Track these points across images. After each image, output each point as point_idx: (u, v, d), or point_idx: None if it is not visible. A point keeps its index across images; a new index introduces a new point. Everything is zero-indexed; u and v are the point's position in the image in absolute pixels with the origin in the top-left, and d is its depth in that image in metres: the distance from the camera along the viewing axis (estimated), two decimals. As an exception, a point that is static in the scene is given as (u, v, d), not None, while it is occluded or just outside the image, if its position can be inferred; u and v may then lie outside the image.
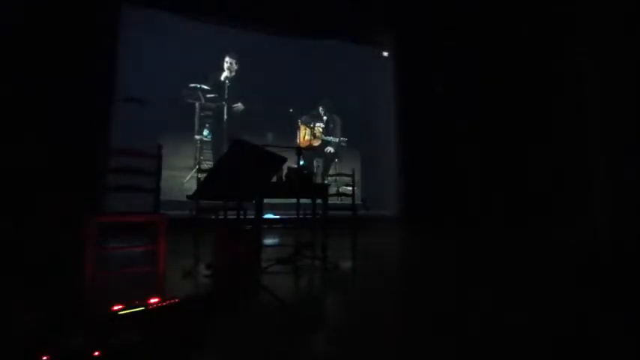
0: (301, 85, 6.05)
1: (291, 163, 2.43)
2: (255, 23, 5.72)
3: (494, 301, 1.82)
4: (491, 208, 5.67)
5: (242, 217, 2.77)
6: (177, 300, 1.29)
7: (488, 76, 6.13)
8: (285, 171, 2.55)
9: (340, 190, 3.48)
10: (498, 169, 5.93)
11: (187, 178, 5.21)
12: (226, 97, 5.69)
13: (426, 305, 1.76)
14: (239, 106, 5.72)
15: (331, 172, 6.17)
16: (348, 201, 3.41)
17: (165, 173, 2.24)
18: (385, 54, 6.72)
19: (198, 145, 5.43)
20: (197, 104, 5.47)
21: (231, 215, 2.82)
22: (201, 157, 5.37)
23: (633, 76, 4.39)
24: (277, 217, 5.23)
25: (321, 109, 6.35)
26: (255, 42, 5.81)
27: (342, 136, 6.49)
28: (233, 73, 5.75)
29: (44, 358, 0.95)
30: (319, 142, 6.32)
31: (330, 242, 2.75)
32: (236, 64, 5.75)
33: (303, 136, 6.20)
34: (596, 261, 3.00)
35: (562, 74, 5.46)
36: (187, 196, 1.98)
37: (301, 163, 2.63)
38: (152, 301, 1.23)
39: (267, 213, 5.00)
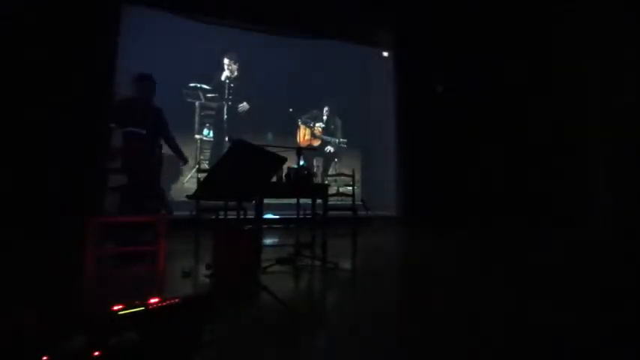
0: (301, 85, 6.05)
1: (291, 163, 2.43)
2: (256, 23, 5.72)
3: (495, 300, 1.82)
4: (491, 208, 5.66)
5: (242, 217, 2.77)
6: (177, 300, 1.29)
7: (489, 75, 6.13)
8: (285, 171, 2.55)
9: (340, 190, 3.48)
10: (499, 169, 5.93)
11: (187, 178, 5.21)
12: (226, 96, 5.69)
13: (426, 305, 1.76)
14: (244, 105, 5.72)
15: (331, 172, 6.17)
16: (348, 201, 3.41)
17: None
18: (385, 54, 6.72)
19: (199, 145, 5.43)
20: (197, 104, 5.47)
21: (231, 215, 2.82)
22: (202, 157, 5.37)
23: (633, 75, 4.38)
24: (277, 217, 5.22)
25: (322, 109, 6.35)
26: (255, 42, 5.81)
27: (342, 137, 6.49)
28: (234, 74, 5.75)
29: (44, 358, 0.95)
30: (319, 142, 6.32)
31: (330, 242, 2.75)
32: (235, 64, 5.75)
33: (303, 135, 6.20)
34: (597, 260, 3.00)
35: (563, 73, 5.46)
36: (187, 196, 1.98)
37: (301, 163, 2.63)
38: (152, 301, 1.23)
39: (267, 213, 5.00)
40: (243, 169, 1.68)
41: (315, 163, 6.21)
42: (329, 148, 6.38)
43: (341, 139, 6.46)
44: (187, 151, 5.31)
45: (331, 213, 2.81)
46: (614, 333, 1.40)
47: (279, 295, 1.72)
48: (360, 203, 3.55)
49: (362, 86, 6.49)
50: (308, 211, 3.02)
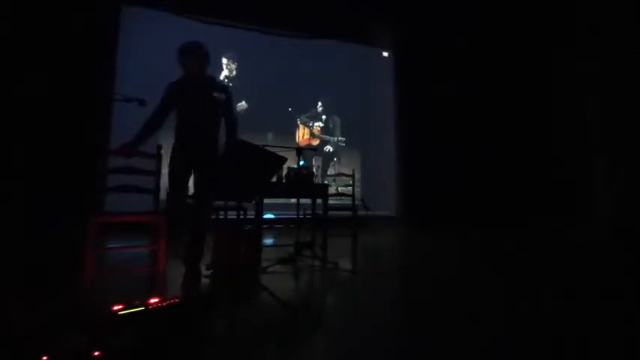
0: (301, 85, 6.04)
1: (291, 163, 2.43)
2: (255, 23, 5.71)
3: (495, 299, 1.82)
4: (491, 208, 5.66)
5: (242, 217, 2.77)
6: (177, 300, 1.29)
7: (489, 76, 6.13)
8: (285, 171, 2.55)
9: (340, 189, 3.48)
10: (498, 169, 5.93)
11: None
12: (225, 96, 5.68)
13: (426, 305, 1.76)
14: (243, 104, 5.72)
15: (330, 171, 6.17)
16: (347, 201, 3.41)
17: (165, 173, 2.23)
18: (385, 54, 6.72)
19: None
20: (197, 104, 5.46)
21: (231, 215, 2.82)
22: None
23: (633, 76, 4.39)
24: (277, 217, 5.22)
25: (320, 108, 6.35)
26: (255, 42, 5.80)
27: (341, 136, 6.48)
28: (233, 73, 5.75)
29: (44, 358, 0.95)
30: (318, 141, 6.32)
31: (330, 242, 2.75)
32: (233, 63, 5.75)
33: (302, 135, 6.20)
34: (597, 258, 3.00)
35: (563, 74, 5.46)
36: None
37: (301, 163, 2.63)
38: (152, 301, 1.23)
39: (267, 213, 5.00)
40: (243, 169, 1.68)
41: (314, 163, 6.21)
42: (328, 148, 6.38)
43: (340, 138, 6.45)
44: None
45: (331, 213, 2.81)
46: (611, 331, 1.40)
47: (280, 295, 1.72)
48: (360, 203, 3.55)
49: (362, 86, 6.48)
50: (308, 211, 3.02)
